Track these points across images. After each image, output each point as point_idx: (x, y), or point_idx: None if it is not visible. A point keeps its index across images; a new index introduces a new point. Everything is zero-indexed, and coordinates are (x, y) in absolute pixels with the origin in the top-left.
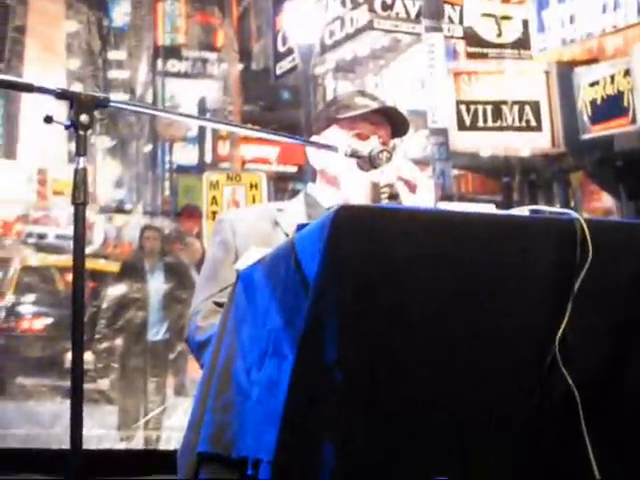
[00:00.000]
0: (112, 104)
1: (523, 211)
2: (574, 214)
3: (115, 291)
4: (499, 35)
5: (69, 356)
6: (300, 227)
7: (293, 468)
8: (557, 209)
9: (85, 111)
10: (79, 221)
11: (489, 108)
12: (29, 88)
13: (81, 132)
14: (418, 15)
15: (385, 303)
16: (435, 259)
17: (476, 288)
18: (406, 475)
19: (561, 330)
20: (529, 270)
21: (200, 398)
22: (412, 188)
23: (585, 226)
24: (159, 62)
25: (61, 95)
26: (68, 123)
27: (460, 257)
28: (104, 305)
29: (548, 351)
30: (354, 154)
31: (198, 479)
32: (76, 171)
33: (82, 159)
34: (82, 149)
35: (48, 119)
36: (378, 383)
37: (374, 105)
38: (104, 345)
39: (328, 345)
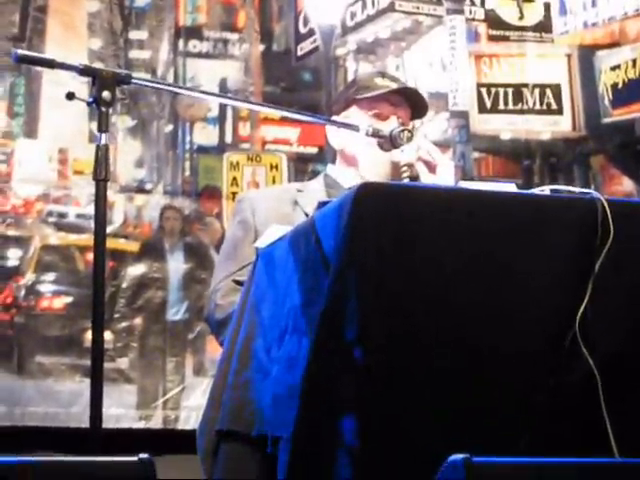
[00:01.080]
0: (134, 81)
1: (544, 191)
2: (595, 194)
3: (135, 271)
4: (521, 18)
5: (88, 335)
6: (321, 205)
7: (312, 445)
8: (578, 189)
9: (107, 87)
10: (100, 197)
11: (510, 91)
12: (51, 64)
13: (103, 108)
14: None
15: (405, 281)
16: (456, 237)
17: (496, 266)
18: (426, 451)
19: (581, 310)
20: (550, 249)
21: (220, 376)
22: (432, 168)
23: (606, 206)
24: (180, 42)
25: (83, 71)
26: (90, 100)
27: (481, 235)
28: (124, 285)
29: (568, 331)
30: (375, 133)
31: (217, 457)
32: (98, 147)
33: (104, 135)
34: (104, 126)
35: (70, 95)
36: (397, 361)
37: (393, 86)
38: (123, 324)
39: (348, 323)
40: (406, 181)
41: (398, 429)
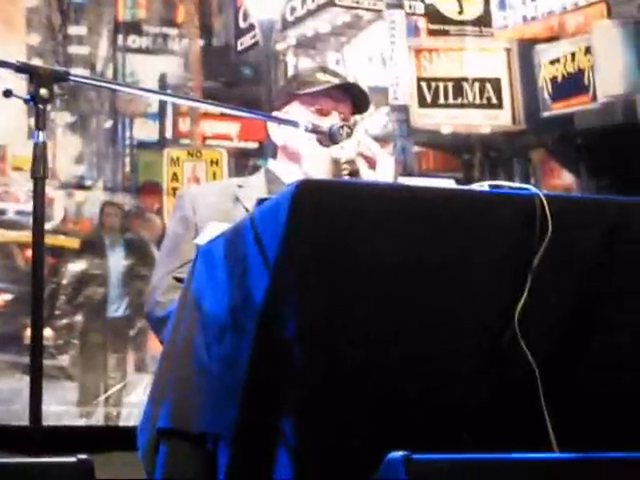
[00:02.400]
0: (72, 78)
1: (483, 186)
2: (534, 189)
3: (75, 267)
4: (460, 12)
5: (29, 332)
6: (260, 201)
7: (252, 444)
8: (517, 184)
9: (44, 85)
10: (38, 195)
11: (450, 85)
12: None
13: (40, 106)
14: None
15: (345, 278)
16: (395, 233)
17: (435, 263)
18: (366, 449)
19: (520, 305)
20: (488, 245)
21: (160, 373)
22: (372, 164)
23: (545, 201)
24: (119, 37)
25: (20, 69)
26: (27, 97)
27: (420, 231)
28: (64, 281)
29: (508, 327)
30: (315, 129)
31: (158, 454)
32: (35, 145)
33: (41, 133)
34: (41, 123)
35: (7, 93)
36: (337, 358)
37: (335, 81)
38: (64, 321)
39: (288, 321)
40: (346, 177)
41: (338, 428)
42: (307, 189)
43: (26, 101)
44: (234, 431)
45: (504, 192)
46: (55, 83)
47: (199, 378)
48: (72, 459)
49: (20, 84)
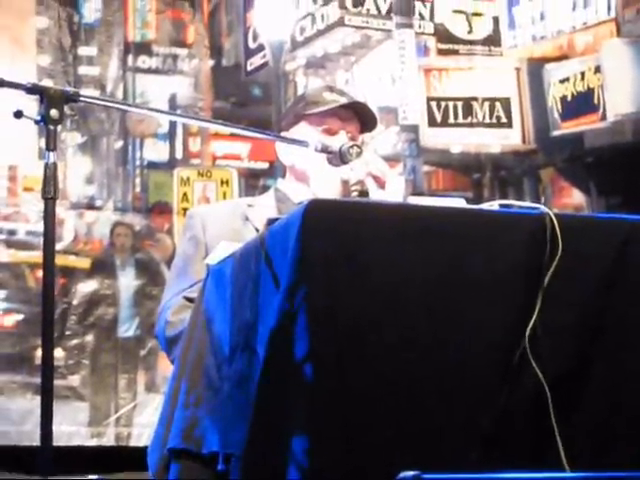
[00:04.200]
0: (82, 99)
1: (493, 206)
2: (544, 208)
3: (86, 287)
4: (470, 32)
5: (39, 353)
6: (270, 222)
7: (263, 463)
8: (527, 204)
9: (55, 106)
10: (49, 216)
11: (460, 104)
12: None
13: (51, 127)
14: (389, 11)
15: (355, 298)
16: (405, 254)
17: (445, 282)
18: (376, 468)
19: (531, 325)
20: (499, 264)
21: (171, 393)
22: (381, 184)
23: (555, 220)
24: (129, 58)
25: (31, 90)
26: (38, 118)
27: (430, 251)
28: (75, 301)
29: (518, 346)
30: (324, 149)
31: (169, 475)
32: (46, 166)
33: (52, 154)
34: (52, 144)
35: (18, 114)
36: (347, 378)
37: (343, 100)
38: (75, 342)
39: (298, 340)
40: (355, 197)
41: (348, 447)
42: (317, 209)
43: (37, 122)
44: (245, 450)
45: (514, 211)
46: (66, 104)
47: (210, 398)
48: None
49: (30, 105)
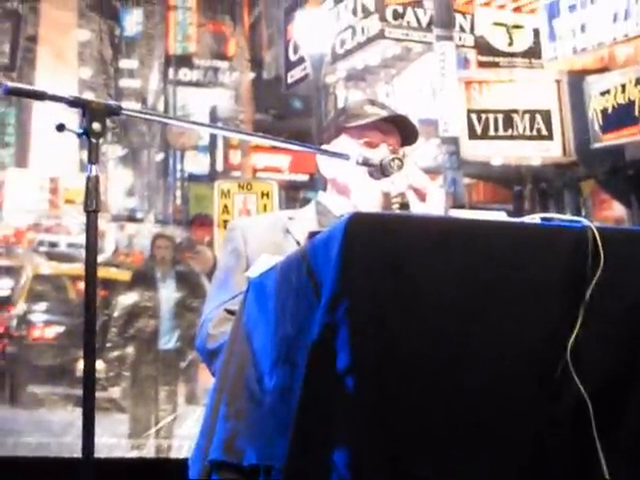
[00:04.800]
0: (124, 112)
1: (535, 219)
2: (586, 222)
3: (126, 300)
4: (510, 44)
5: (80, 365)
6: (312, 234)
7: (304, 476)
8: (569, 217)
9: (97, 119)
10: (91, 229)
11: (500, 117)
12: (42, 96)
13: (93, 140)
14: (429, 24)
15: (397, 311)
16: (447, 266)
17: (487, 296)
18: None
19: (573, 338)
20: (540, 278)
21: (212, 406)
22: (422, 197)
23: (597, 234)
24: (170, 71)
25: (74, 103)
26: (80, 131)
27: (472, 264)
28: (115, 314)
29: (560, 359)
30: (365, 162)
31: None
32: (88, 179)
33: (94, 167)
34: (94, 157)
35: (60, 127)
36: (389, 391)
37: (383, 113)
38: (115, 354)
39: (340, 353)
40: (397, 210)
41: (390, 460)
42: (359, 222)
43: (79, 135)
44: (286, 463)
45: (556, 224)
46: (108, 117)
47: (251, 410)
48: None
49: (73, 117)
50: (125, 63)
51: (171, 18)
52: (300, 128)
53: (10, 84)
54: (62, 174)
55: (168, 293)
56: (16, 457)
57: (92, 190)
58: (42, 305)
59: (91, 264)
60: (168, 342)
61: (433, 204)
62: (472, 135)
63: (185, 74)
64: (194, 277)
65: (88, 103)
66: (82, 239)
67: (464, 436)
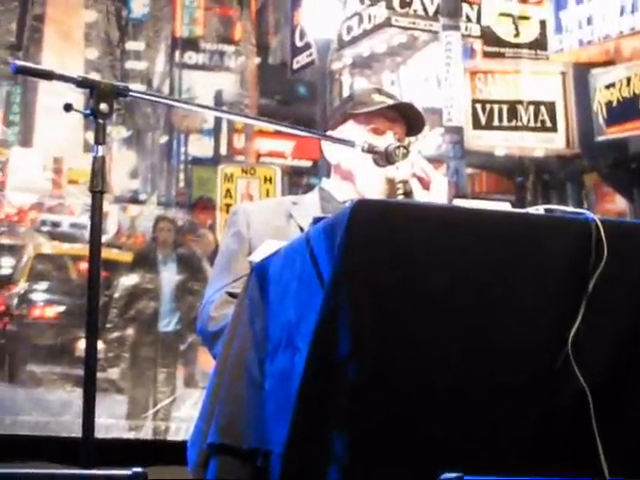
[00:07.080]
0: (131, 94)
1: (539, 210)
2: (590, 214)
3: (127, 281)
4: (516, 35)
5: (80, 344)
6: (316, 220)
7: (303, 460)
8: (572, 209)
9: (104, 100)
10: (96, 209)
11: (505, 107)
12: (50, 76)
13: (100, 120)
14: (436, 13)
15: (398, 298)
16: (450, 255)
17: (489, 285)
18: (416, 467)
19: (574, 330)
20: (543, 269)
21: (212, 389)
22: (426, 185)
23: (601, 226)
24: (177, 54)
25: (82, 83)
26: (88, 111)
27: (475, 254)
28: (116, 295)
29: (561, 351)
30: (371, 149)
31: (208, 469)
32: (94, 159)
33: (101, 147)
34: (101, 137)
35: (68, 107)
36: (389, 377)
37: (390, 102)
38: (115, 334)
39: (342, 338)
40: (400, 198)
41: (389, 445)
42: (363, 209)
43: (86, 115)
44: (285, 447)
45: (560, 217)
46: (115, 98)
47: (251, 394)
48: (127, 472)
49: (78, 97)
50: (131, 45)
51: (178, 1)
52: (305, 114)
53: (19, 63)
54: (66, 154)
55: (169, 275)
56: (14, 435)
57: (98, 171)
58: (43, 284)
59: (95, 244)
60: (168, 324)
61: (437, 193)
62: (476, 125)
63: (191, 57)
64: (195, 260)
65: (96, 83)
66: (84, 219)
67: (463, 425)
